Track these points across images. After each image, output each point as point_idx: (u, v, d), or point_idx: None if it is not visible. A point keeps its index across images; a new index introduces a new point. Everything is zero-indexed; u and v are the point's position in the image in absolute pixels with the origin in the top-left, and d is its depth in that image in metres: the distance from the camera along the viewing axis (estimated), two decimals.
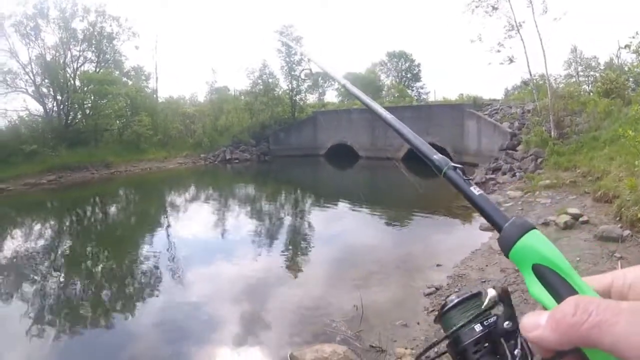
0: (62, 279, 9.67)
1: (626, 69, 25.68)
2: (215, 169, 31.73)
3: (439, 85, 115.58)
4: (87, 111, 34.42)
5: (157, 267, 9.79)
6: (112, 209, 20.32)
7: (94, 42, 35.74)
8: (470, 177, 0.71)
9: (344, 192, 19.21)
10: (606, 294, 0.51)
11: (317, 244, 10.94)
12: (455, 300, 0.68)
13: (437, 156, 0.78)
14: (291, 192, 21.40)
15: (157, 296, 8.19)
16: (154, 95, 39.83)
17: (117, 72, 37.44)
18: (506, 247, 0.55)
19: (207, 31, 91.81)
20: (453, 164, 0.74)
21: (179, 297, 7.97)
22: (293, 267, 9.18)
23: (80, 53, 35.56)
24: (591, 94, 23.89)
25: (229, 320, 6.70)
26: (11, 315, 7.39)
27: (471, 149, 23.75)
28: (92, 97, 33.54)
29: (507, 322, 0.62)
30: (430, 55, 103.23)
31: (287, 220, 14.55)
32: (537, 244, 0.54)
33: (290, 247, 10.83)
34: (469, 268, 7.46)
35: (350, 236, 11.49)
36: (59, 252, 12.37)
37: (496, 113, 23.81)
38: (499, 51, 19.80)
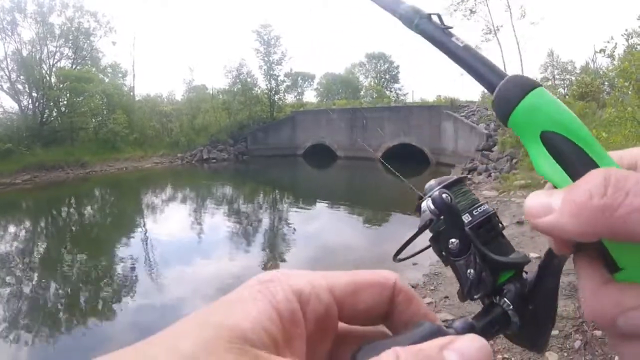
0: (36, 281, 9.54)
1: (601, 72, 26.28)
2: (193, 168, 31.51)
3: (417, 86, 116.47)
4: (63, 109, 33.83)
5: (132, 268, 9.73)
6: (88, 210, 20.03)
7: (71, 37, 35.24)
8: (451, 27, 0.50)
9: (322, 192, 19.25)
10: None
11: (295, 243, 10.99)
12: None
13: (402, 5, 0.54)
14: (269, 192, 21.36)
15: (132, 297, 8.15)
16: (131, 93, 39.30)
17: (94, 69, 36.89)
18: (504, 110, 0.40)
19: (185, 29, 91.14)
20: (427, 13, 0.51)
21: (155, 298, 7.95)
22: (270, 267, 9.11)
23: (57, 49, 35.04)
24: (567, 97, 24.43)
25: None
26: None
27: (448, 149, 24.05)
28: (68, 95, 32.99)
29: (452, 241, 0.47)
30: (408, 57, 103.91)
31: (265, 220, 14.53)
32: (546, 104, 0.39)
33: (267, 247, 10.85)
34: (445, 267, 7.55)
35: (327, 236, 11.55)
36: (33, 254, 12.16)
37: (473, 115, 24.18)
38: None
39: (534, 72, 49.62)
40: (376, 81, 57.55)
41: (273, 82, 38.04)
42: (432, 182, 0.51)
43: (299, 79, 46.67)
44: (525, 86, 0.40)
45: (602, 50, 17.42)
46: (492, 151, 19.01)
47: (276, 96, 38.70)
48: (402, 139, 26.61)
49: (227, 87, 38.71)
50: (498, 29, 19.09)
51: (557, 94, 25.65)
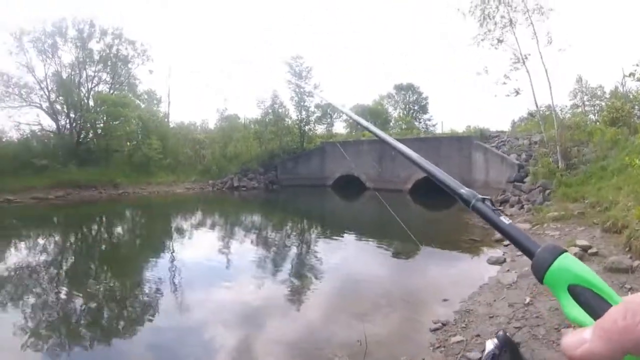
0: (61, 295, 9.57)
1: (631, 96, 25.81)
2: (223, 195, 31.78)
3: (446, 117, 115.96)
4: (99, 131, 35.03)
5: (157, 289, 9.69)
6: (118, 229, 20.31)
7: (109, 63, 36.59)
8: (499, 208, 0.72)
9: (350, 223, 19.09)
10: None
11: (321, 274, 10.73)
12: None
13: (464, 190, 0.80)
14: (297, 221, 21.27)
15: (154, 318, 8.08)
16: (166, 120, 40.40)
17: (131, 95, 38.12)
18: (540, 271, 0.57)
19: (219, 59, 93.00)
20: (481, 196, 0.76)
21: (177, 320, 7.86)
22: (295, 297, 9.00)
23: (95, 73, 36.51)
24: (597, 123, 23.98)
25: (224, 349, 6.55)
26: (6, 329, 7.35)
27: (479, 181, 23.59)
28: (105, 118, 34.13)
29: None
30: (437, 88, 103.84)
31: (292, 249, 14.40)
32: (571, 265, 0.55)
33: (293, 277, 10.64)
34: (477, 303, 7.35)
35: (355, 268, 11.32)
36: (61, 268, 12.31)
37: (503, 145, 23.79)
38: (504, 83, 19.88)
39: (563, 100, 49.14)
40: (405, 112, 57.50)
41: (304, 113, 38.44)
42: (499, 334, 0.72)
43: (328, 110, 47.17)
44: (555, 252, 0.56)
45: (632, 74, 17.15)
46: (524, 182, 18.57)
47: (306, 127, 39.04)
48: None
49: (259, 117, 39.27)
50: (526, 57, 18.89)
51: (587, 120, 25.25)
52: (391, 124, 51.39)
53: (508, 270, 8.92)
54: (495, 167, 22.31)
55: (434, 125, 52.87)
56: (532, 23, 18.52)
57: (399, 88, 59.17)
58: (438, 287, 8.97)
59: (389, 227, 15.68)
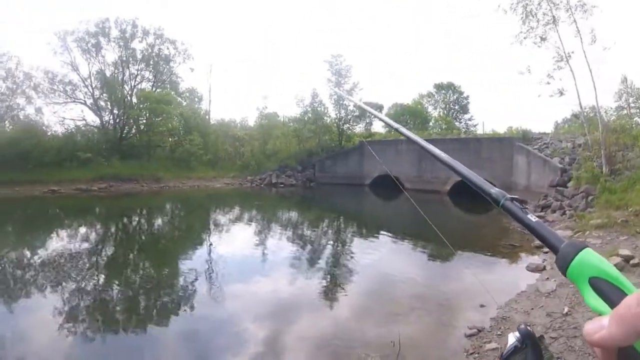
0: (100, 282, 9.91)
1: None
2: (261, 191, 32.14)
3: (488, 117, 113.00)
4: (142, 127, 35.99)
5: (193, 280, 9.91)
6: (157, 221, 20.84)
7: (151, 62, 37.64)
8: (526, 207, 0.79)
9: (386, 223, 18.95)
10: None
11: (355, 273, 10.69)
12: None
13: (493, 190, 0.86)
14: (333, 219, 21.27)
15: (188, 307, 8.24)
16: (207, 117, 41.14)
17: (173, 93, 38.97)
18: (563, 265, 0.62)
19: (259, 58, 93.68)
20: (510, 196, 0.81)
21: (211, 311, 7.99)
22: (328, 294, 9.00)
23: (138, 72, 37.72)
24: None
25: (256, 341, 6.60)
26: (46, 312, 7.62)
27: (520, 184, 22.95)
28: (148, 114, 35.01)
29: None
30: (478, 87, 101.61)
31: (327, 247, 14.38)
32: (592, 259, 0.60)
33: (327, 274, 10.62)
34: (514, 310, 7.21)
35: (390, 268, 11.20)
36: (101, 256, 12.74)
37: (546, 147, 22.97)
38: (548, 83, 19.23)
39: (608, 101, 47.41)
40: (445, 112, 56.59)
41: (343, 111, 38.36)
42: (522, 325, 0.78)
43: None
44: (577, 247, 0.62)
45: None
46: (566, 187, 17.86)
47: (345, 125, 38.95)
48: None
49: (298, 115, 39.40)
50: (569, 56, 18.27)
51: (633, 123, 24.31)
52: (431, 123, 50.74)
53: (547, 278, 8.70)
54: (538, 170, 21.59)
55: (474, 126, 51.98)
56: (575, 20, 17.96)
57: (439, 87, 58.19)
58: (474, 292, 8.82)
59: (426, 229, 15.55)
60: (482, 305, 7.61)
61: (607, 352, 0.53)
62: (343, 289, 9.40)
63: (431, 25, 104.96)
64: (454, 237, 14.39)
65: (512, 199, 0.81)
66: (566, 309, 6.60)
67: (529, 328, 0.76)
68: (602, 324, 0.51)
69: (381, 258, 12.42)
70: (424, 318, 7.45)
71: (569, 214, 15.24)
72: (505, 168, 24.48)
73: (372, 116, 45.17)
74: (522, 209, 0.78)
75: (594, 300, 0.57)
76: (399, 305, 8.11)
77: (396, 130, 1.57)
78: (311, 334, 6.87)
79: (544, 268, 9.65)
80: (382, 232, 15.96)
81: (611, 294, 0.56)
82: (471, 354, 5.77)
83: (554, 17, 18.53)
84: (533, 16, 19.03)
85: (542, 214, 16.30)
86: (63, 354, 6.29)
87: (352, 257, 12.50)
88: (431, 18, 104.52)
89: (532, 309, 7.13)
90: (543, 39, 18.94)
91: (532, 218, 0.74)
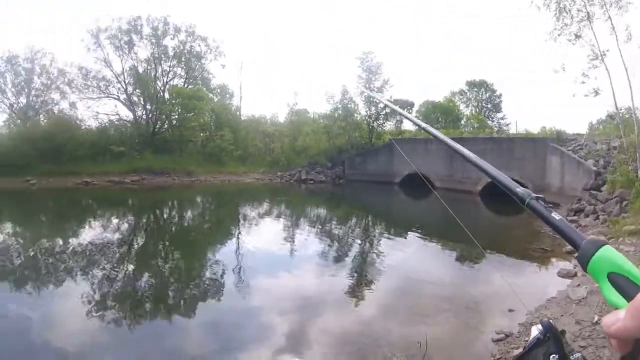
0: (129, 271, 10.21)
1: None
2: (290, 187, 32.34)
3: (521, 116, 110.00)
4: (174, 122, 36.65)
5: (220, 272, 10.12)
6: (188, 214, 21.26)
7: (183, 59, 38.21)
8: (551, 205, 0.85)
9: (415, 222, 18.76)
10: None
11: (384, 271, 10.64)
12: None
13: (519, 189, 0.91)
14: (362, 217, 21.27)
15: (214, 299, 8.45)
16: (237, 113, 41.57)
17: (204, 89, 39.52)
18: (584, 260, 0.66)
19: (289, 54, 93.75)
20: (535, 195, 0.87)
21: (237, 303, 8.13)
22: (356, 291, 8.98)
23: (170, 68, 38.37)
24: None
25: (281, 335, 6.65)
26: (77, 299, 7.89)
27: (553, 187, 22.33)
28: (180, 110, 35.64)
29: (552, 356, 0.76)
30: (512, 85, 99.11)
31: (355, 244, 14.40)
32: (611, 255, 0.64)
33: (354, 271, 10.62)
34: (543, 317, 7.08)
35: (418, 268, 11.11)
36: (132, 246, 13.15)
37: (580, 149, 22.17)
38: (583, 82, 18.66)
39: None
40: (477, 110, 55.33)
41: (373, 108, 38.16)
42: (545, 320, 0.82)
43: (398, 106, 46.36)
44: (597, 244, 0.66)
45: None
46: (600, 191, 17.16)
47: (375, 123, 38.76)
48: (504, 173, 24.13)
49: (329, 112, 39.33)
50: (604, 54, 17.73)
51: None
52: (462, 122, 49.93)
53: (578, 285, 8.55)
54: (571, 172, 20.96)
55: (507, 125, 50.65)
56: (609, 17, 17.44)
57: (471, 84, 56.55)
58: (503, 296, 8.72)
59: (456, 230, 15.42)
60: (510, 310, 7.53)
61: (623, 343, 0.56)
62: (370, 286, 9.42)
63: (432, 24, 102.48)
64: (484, 239, 14.24)
65: (537, 198, 0.86)
66: (596, 318, 6.50)
67: (551, 322, 0.81)
68: (619, 316, 0.55)
69: (409, 257, 12.39)
70: (451, 320, 7.39)
71: (602, 218, 14.79)
72: (538, 169, 23.89)
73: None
74: (547, 207, 0.84)
75: (612, 294, 0.61)
76: (426, 305, 8.08)
77: (423, 129, 1.60)
78: (337, 330, 6.90)
79: (575, 274, 9.47)
80: (411, 231, 15.89)
81: (628, 288, 0.60)
82: (498, 359, 5.74)
83: (588, 13, 18.00)
84: (567, 12, 18.57)
85: (575, 218, 15.80)
86: (93, 338, 6.50)
87: (379, 255, 12.49)
88: (433, 17, 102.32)
89: (562, 315, 7.04)
90: (577, 36, 18.42)
91: (556, 216, 0.80)
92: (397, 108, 2.18)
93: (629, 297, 0.58)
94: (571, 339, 5.92)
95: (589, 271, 0.65)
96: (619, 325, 0.54)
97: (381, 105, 37.24)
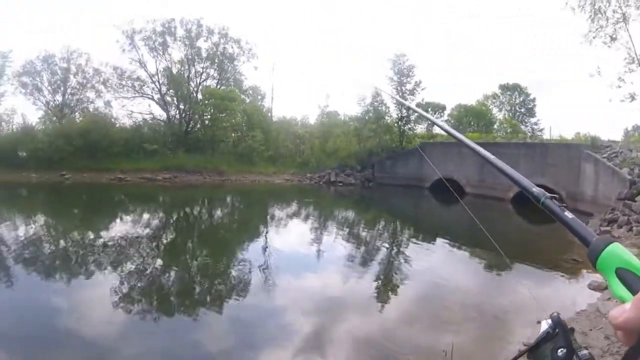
0: (157, 266, 10.50)
1: None
2: (320, 189, 32.41)
3: (554, 121, 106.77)
4: (207, 122, 37.29)
5: (246, 270, 10.27)
6: (218, 212, 21.62)
7: (216, 61, 38.80)
8: (564, 204, 0.89)
9: (444, 228, 18.59)
10: None
11: (410, 277, 10.55)
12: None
13: (535, 189, 0.95)
14: (390, 221, 21.14)
15: (240, 296, 8.57)
16: (269, 114, 41.89)
17: (237, 90, 40.07)
18: (594, 256, 0.69)
19: (321, 56, 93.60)
20: (549, 195, 0.91)
21: (261, 301, 8.21)
22: (381, 296, 8.99)
23: (204, 69, 39.14)
24: None
25: (303, 335, 6.69)
26: (105, 290, 8.14)
27: (587, 195, 21.63)
28: (212, 110, 36.19)
29: (560, 350, 0.80)
30: (546, 89, 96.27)
31: (381, 248, 14.39)
32: (619, 252, 0.67)
33: (380, 276, 10.63)
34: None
35: (445, 275, 10.88)
36: (161, 242, 13.45)
37: (615, 156, 21.32)
38: (619, 87, 18.25)
39: None
40: (510, 114, 54.11)
41: (404, 111, 37.91)
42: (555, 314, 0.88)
43: (430, 109, 46.03)
44: (606, 242, 0.68)
45: None
46: (635, 201, 16.44)
47: (406, 126, 38.50)
48: (538, 179, 23.27)
49: (359, 115, 39.21)
50: None
51: None
52: (495, 126, 49.21)
53: (609, 298, 8.36)
54: (605, 181, 20.11)
55: (540, 130, 49.67)
56: None
57: (505, 88, 55.42)
58: (532, 307, 8.56)
59: (485, 238, 15.24)
60: (539, 322, 7.34)
61: (628, 335, 0.58)
62: (395, 291, 9.39)
63: (432, 24, 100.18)
64: (514, 248, 14.00)
65: (551, 197, 0.90)
66: None
67: (560, 317, 0.85)
68: (625, 308, 0.57)
69: (436, 264, 12.29)
70: (477, 329, 7.31)
71: (637, 230, 14.25)
72: (572, 176, 23.14)
73: (434, 117, 44.40)
74: (560, 206, 0.87)
75: (620, 289, 0.64)
76: (452, 313, 7.99)
77: (440, 127, 1.69)
78: (361, 334, 6.90)
79: (606, 287, 9.27)
80: (439, 237, 15.73)
81: (634, 283, 0.63)
82: None
83: (623, 14, 17.51)
84: (602, 14, 18.09)
85: (607, 228, 15.18)
86: (121, 328, 6.74)
87: (406, 261, 12.42)
88: (435, 18, 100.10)
89: (591, 329, 6.91)
90: (613, 39, 17.93)
91: (569, 215, 0.84)
92: (417, 109, 2.22)
93: (635, 292, 0.61)
94: (599, 355, 5.84)
95: (598, 267, 0.69)
96: (625, 317, 0.57)
97: (413, 107, 36.93)
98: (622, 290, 0.63)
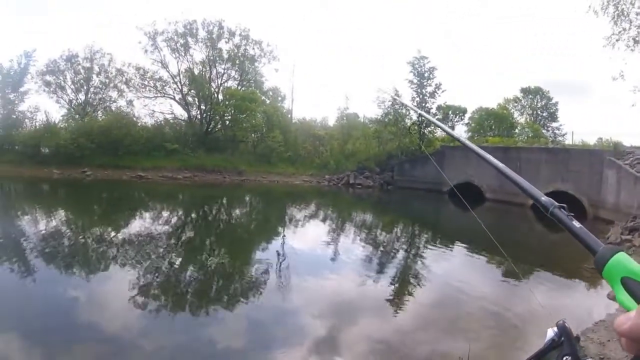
0: (174, 263, 10.58)
1: None
2: (338, 191, 32.46)
3: (576, 126, 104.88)
4: (227, 122, 37.72)
5: (262, 270, 10.29)
6: (236, 211, 21.78)
7: (237, 62, 39.22)
8: (572, 214, 0.91)
9: (462, 234, 18.38)
10: None
11: (426, 282, 10.44)
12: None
13: (544, 198, 0.97)
14: (408, 225, 21.06)
15: (255, 295, 8.60)
16: (289, 115, 42.20)
17: (257, 91, 40.39)
18: (600, 265, 0.70)
19: (340, 59, 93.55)
20: (558, 204, 0.93)
21: (276, 302, 8.24)
22: (397, 300, 8.90)
23: (225, 71, 39.76)
24: None
25: (317, 337, 6.67)
26: (121, 286, 8.26)
27: (608, 203, 21.17)
28: (233, 111, 36.52)
29: (565, 357, 0.82)
30: (568, 93, 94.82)
31: (399, 252, 14.27)
32: (625, 261, 0.68)
33: (396, 279, 10.54)
34: (589, 340, 6.89)
35: (463, 282, 10.68)
36: (179, 239, 13.58)
37: (638, 163, 20.64)
38: None
39: None
40: (532, 118, 53.28)
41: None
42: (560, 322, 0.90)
43: (450, 112, 45.76)
44: (613, 251, 0.70)
45: None
46: None
47: (427, 129, 38.26)
48: (559, 185, 23.93)
49: (379, 117, 39.20)
50: None
51: None
52: (517, 130, 48.62)
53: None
54: (628, 188, 19.62)
55: (562, 135, 48.93)
56: None
57: (526, 91, 54.67)
58: (550, 316, 8.52)
59: (505, 245, 15.12)
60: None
61: (632, 342, 0.59)
62: (411, 295, 9.31)
63: (433, 25, 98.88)
64: (533, 255, 13.89)
65: (559, 207, 0.92)
66: None
67: (566, 324, 0.87)
68: (630, 316, 0.59)
69: (453, 269, 12.19)
70: (495, 337, 7.22)
71: None
72: (593, 183, 22.68)
73: (454, 121, 44.14)
74: (568, 215, 0.89)
75: (625, 297, 0.65)
76: (468, 320, 7.92)
77: (447, 132, 1.73)
78: (375, 337, 6.89)
79: None
80: (457, 243, 15.62)
81: (639, 292, 0.64)
82: None
83: None
84: (625, 16, 17.72)
85: (629, 236, 14.67)
86: (136, 323, 6.82)
87: (422, 266, 12.32)
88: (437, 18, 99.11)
89: (609, 340, 6.81)
90: (637, 42, 17.57)
91: (576, 224, 0.86)
92: (425, 114, 2.24)
93: (639, 300, 0.63)
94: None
95: (604, 275, 0.70)
96: (629, 324, 0.58)
97: (433, 110, 36.79)
98: (628, 299, 0.65)
